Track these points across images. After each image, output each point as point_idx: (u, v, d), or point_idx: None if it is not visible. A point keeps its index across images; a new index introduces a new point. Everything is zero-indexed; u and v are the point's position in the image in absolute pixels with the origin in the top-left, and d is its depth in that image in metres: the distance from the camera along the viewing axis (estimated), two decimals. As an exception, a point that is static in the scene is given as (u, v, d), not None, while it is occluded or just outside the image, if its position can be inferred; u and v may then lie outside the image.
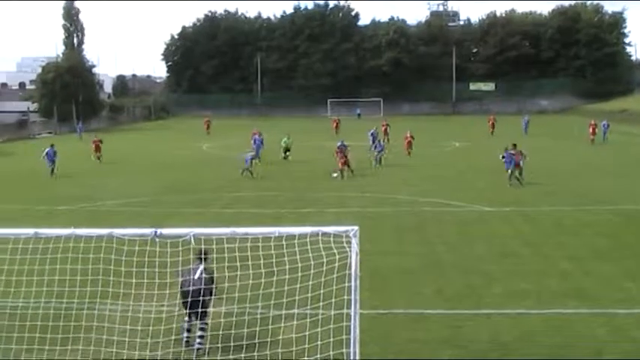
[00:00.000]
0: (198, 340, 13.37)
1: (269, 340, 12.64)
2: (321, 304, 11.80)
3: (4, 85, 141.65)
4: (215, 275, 13.36)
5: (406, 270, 19.84)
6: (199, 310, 12.96)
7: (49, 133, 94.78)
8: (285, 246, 11.06)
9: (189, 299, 12.82)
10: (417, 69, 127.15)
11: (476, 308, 16.20)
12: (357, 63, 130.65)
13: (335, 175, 39.63)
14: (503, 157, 36.08)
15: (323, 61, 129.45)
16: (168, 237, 10.75)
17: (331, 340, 11.21)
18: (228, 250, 11.74)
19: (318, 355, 11.35)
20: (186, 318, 13.56)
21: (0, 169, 50.33)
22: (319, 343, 11.57)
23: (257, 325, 12.75)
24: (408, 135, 52.21)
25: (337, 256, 10.64)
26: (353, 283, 10.06)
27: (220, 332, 12.89)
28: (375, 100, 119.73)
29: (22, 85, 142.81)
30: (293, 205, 30.79)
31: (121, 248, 12.26)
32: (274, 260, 11.66)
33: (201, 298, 12.79)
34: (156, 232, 10.36)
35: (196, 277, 13.18)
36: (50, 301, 13.74)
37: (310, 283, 11.76)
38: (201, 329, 13.41)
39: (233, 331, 12.70)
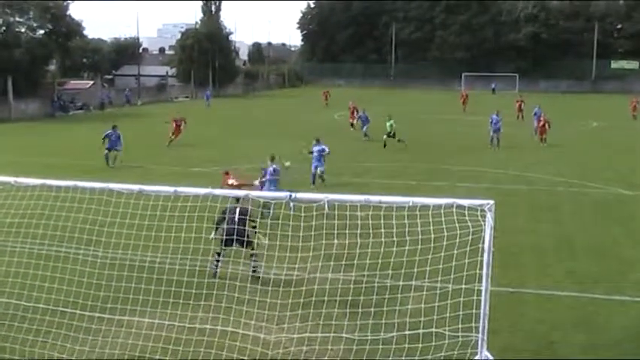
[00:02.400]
0: (253, 264, 15.48)
1: (397, 308, 12.65)
2: (452, 276, 11.68)
3: (145, 50, 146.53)
4: (251, 208, 15.41)
5: (538, 249, 19.43)
6: (244, 239, 15.28)
7: (186, 97, 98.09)
8: (418, 216, 10.99)
9: (235, 237, 14.99)
10: (556, 44, 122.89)
11: (610, 294, 15.63)
12: (494, 37, 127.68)
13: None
14: (310, 152, 28.61)
15: (459, 34, 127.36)
16: (303, 201, 10.89)
17: (460, 313, 11.11)
18: (361, 217, 11.82)
19: (447, 327, 11.29)
20: (222, 246, 15.64)
21: (139, 129, 52.34)
22: (448, 315, 11.50)
23: (386, 293, 12.79)
24: (543, 118, 44.69)
25: (471, 230, 10.49)
26: (486, 258, 9.90)
27: (349, 298, 13.03)
28: (511, 76, 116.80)
29: (161, 50, 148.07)
30: (424, 178, 30.61)
31: (255, 210, 12.54)
32: (407, 230, 11.62)
33: (234, 232, 14.88)
34: (291, 195, 10.51)
35: (236, 217, 15.06)
36: (186, 258, 14.22)
37: (442, 254, 11.65)
38: (253, 255, 15.60)
39: (362, 298, 12.82)
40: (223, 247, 15.61)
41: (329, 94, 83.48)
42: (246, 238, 15.36)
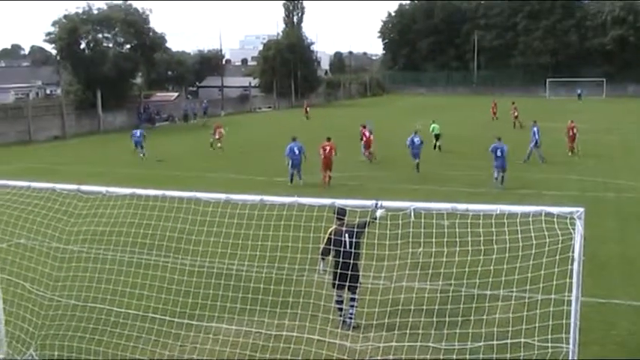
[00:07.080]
0: (350, 315, 13.71)
1: (484, 318, 12.51)
2: (540, 285, 11.48)
3: (228, 61, 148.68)
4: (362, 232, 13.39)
5: (629, 259, 18.92)
6: (354, 284, 13.26)
7: (269, 107, 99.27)
8: (505, 224, 10.85)
9: (349, 272, 12.82)
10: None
11: None
12: (578, 41, 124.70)
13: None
14: None
15: (542, 39, 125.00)
16: (388, 209, 10.86)
17: (550, 323, 10.89)
18: (447, 225, 11.75)
19: (535, 338, 11.08)
20: (338, 291, 13.75)
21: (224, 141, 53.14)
22: (537, 325, 11.25)
23: (473, 302, 12.65)
24: (571, 125, 40.98)
25: (560, 238, 10.28)
26: (575, 267, 9.66)
27: (436, 307, 12.94)
28: (597, 81, 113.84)
29: (244, 61, 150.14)
30: (508, 186, 30.15)
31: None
32: (494, 238, 11.48)
33: (349, 266, 12.92)
34: (377, 203, 10.42)
35: (347, 248, 13.20)
36: (272, 266, 14.35)
37: (530, 263, 11.45)
38: (353, 304, 13.75)
39: (448, 307, 12.71)
40: (337, 293, 13.80)
41: (309, 107, 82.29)
42: (355, 283, 13.42)
